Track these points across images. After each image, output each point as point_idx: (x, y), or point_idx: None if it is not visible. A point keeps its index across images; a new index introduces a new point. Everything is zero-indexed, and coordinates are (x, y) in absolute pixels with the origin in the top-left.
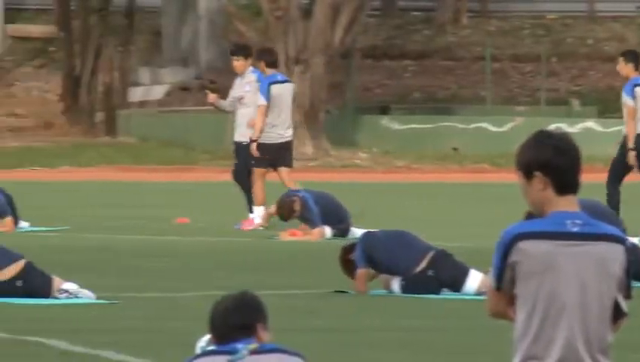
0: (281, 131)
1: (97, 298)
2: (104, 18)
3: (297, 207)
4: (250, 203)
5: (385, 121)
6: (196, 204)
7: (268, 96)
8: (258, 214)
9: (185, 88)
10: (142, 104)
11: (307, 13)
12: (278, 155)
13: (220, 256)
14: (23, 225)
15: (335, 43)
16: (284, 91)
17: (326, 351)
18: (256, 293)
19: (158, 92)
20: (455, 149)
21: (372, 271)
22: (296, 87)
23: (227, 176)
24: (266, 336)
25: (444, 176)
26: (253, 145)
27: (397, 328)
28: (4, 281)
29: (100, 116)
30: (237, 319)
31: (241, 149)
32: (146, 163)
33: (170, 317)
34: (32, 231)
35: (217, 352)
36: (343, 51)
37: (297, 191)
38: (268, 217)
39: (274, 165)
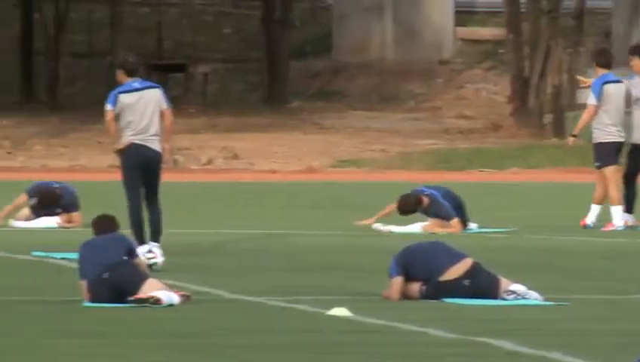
0: (621, 131)
1: (545, 299)
2: (554, 20)
3: None
4: (631, 204)
5: None
6: None
7: (599, 96)
8: (617, 215)
9: None
10: None
11: None
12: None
13: None
14: (472, 226)
15: None
16: (617, 91)
17: None
18: None
19: None
20: None
21: None
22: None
23: None
24: None
25: None
26: (570, 140)
27: None
28: (452, 280)
29: (548, 118)
30: None
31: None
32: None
33: (620, 318)
34: (480, 232)
35: None
36: None
37: None
38: None
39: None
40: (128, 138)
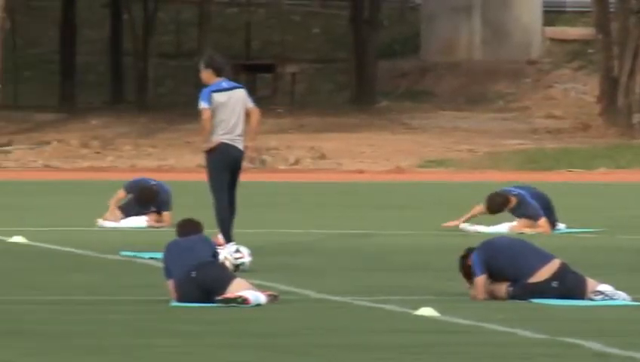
0: None
1: (633, 300)
2: None
3: None
4: None
5: None
6: None
7: None
8: None
9: None
10: None
11: None
12: None
13: None
14: (560, 226)
15: None
16: None
17: None
18: None
19: None
20: None
21: None
22: None
23: None
24: None
25: None
26: None
27: None
28: (541, 281)
29: (637, 117)
30: None
31: None
32: None
33: None
34: (568, 232)
35: None
36: None
37: None
38: None
39: None
40: (218, 137)
